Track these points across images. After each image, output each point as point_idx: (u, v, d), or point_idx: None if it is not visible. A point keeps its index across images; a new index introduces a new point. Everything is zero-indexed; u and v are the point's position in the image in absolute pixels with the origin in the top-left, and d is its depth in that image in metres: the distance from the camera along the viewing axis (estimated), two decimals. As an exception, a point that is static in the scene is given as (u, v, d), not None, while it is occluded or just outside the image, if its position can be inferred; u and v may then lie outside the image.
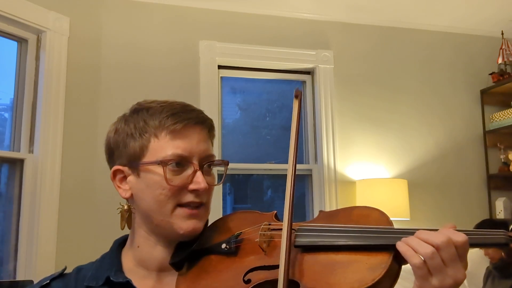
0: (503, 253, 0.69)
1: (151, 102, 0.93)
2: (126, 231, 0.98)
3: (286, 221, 0.80)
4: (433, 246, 0.73)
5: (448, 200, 3.50)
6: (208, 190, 0.91)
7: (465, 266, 0.75)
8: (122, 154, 0.91)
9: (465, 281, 3.04)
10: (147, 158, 0.89)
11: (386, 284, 0.75)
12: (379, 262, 0.75)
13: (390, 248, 0.76)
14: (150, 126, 0.89)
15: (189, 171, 0.89)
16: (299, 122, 0.91)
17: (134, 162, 0.90)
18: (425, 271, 0.73)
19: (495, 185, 3.62)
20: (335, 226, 0.83)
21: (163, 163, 0.86)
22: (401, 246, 0.75)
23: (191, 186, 0.88)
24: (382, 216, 0.84)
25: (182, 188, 0.88)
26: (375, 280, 0.73)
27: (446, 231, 0.75)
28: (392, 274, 0.76)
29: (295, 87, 0.92)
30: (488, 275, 2.69)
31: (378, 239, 0.78)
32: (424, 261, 0.73)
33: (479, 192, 3.62)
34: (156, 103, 0.92)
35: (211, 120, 0.96)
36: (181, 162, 0.88)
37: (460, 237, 0.74)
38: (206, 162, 0.91)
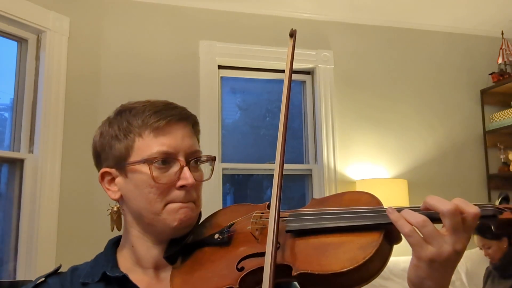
0: (492, 226, 0.67)
1: (134, 103, 0.94)
2: (117, 232, 0.98)
3: (275, 199, 0.80)
4: (439, 212, 0.72)
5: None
6: (197, 186, 0.91)
7: (468, 238, 0.73)
8: (109, 156, 0.92)
9: (465, 281, 3.04)
10: (133, 158, 0.89)
11: (377, 263, 0.75)
12: (370, 241, 0.75)
13: (381, 227, 0.77)
14: (134, 126, 0.89)
15: (176, 167, 0.88)
16: (292, 63, 0.93)
17: (121, 163, 0.90)
18: (417, 238, 0.72)
19: (495, 185, 3.62)
20: (325, 210, 0.84)
21: (148, 161, 0.87)
22: (391, 213, 0.74)
23: (179, 183, 0.88)
24: (372, 199, 0.84)
25: (170, 186, 0.88)
26: (366, 259, 0.73)
27: (456, 201, 0.75)
28: (383, 253, 0.76)
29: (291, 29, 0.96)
30: (488, 275, 2.69)
31: (367, 219, 0.78)
32: (415, 229, 0.72)
33: (479, 192, 3.62)
34: (139, 104, 0.92)
35: (194, 116, 0.96)
36: (166, 159, 0.88)
37: (472, 209, 0.72)
38: (192, 158, 0.91)
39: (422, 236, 0.72)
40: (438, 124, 3.61)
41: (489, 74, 3.68)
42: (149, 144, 0.88)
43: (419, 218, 0.72)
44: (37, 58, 2.81)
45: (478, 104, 3.74)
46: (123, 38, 3.11)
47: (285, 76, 0.90)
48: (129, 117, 0.90)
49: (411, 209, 0.76)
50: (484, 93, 3.72)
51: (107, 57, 3.04)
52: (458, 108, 3.69)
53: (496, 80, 3.62)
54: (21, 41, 2.80)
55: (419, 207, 0.77)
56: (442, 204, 0.73)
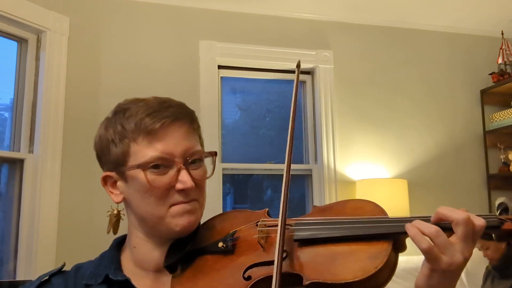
0: (493, 235, 0.69)
1: (130, 102, 0.91)
2: (119, 233, 0.98)
3: (281, 208, 0.80)
4: (453, 221, 0.74)
5: (448, 200, 3.49)
6: (199, 186, 0.89)
7: (474, 246, 0.76)
8: (108, 160, 0.91)
9: (465, 281, 3.04)
10: (131, 163, 0.88)
11: (386, 273, 0.76)
12: (380, 251, 0.76)
13: (389, 237, 0.77)
14: (128, 131, 0.87)
15: (173, 170, 0.87)
16: (297, 93, 0.95)
17: (119, 168, 0.89)
18: (434, 253, 0.73)
19: (495, 185, 3.62)
20: (333, 218, 0.84)
21: (142, 166, 0.85)
22: (409, 229, 0.75)
23: (177, 186, 0.86)
24: (376, 207, 0.85)
25: (169, 189, 0.87)
26: (378, 268, 0.73)
27: (464, 210, 0.77)
28: (392, 262, 0.77)
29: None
30: (487, 275, 2.69)
31: (377, 228, 0.78)
32: (433, 244, 0.73)
33: (479, 192, 3.62)
34: (134, 103, 0.90)
35: (191, 113, 0.92)
36: (162, 163, 0.86)
37: (480, 221, 0.76)
38: (191, 158, 0.89)
39: (434, 245, 0.74)
40: (438, 124, 3.61)
41: (489, 74, 3.68)
42: (143, 150, 0.86)
43: (432, 228, 0.74)
44: (37, 58, 2.81)
45: (478, 104, 3.74)
46: (123, 38, 3.11)
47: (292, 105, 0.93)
48: (123, 120, 0.88)
49: (422, 219, 0.77)
50: (484, 93, 3.72)
51: (107, 57, 3.04)
52: (458, 108, 3.69)
53: (496, 80, 3.62)
54: (21, 41, 2.80)
55: (429, 217, 0.78)
56: (455, 213, 0.75)
